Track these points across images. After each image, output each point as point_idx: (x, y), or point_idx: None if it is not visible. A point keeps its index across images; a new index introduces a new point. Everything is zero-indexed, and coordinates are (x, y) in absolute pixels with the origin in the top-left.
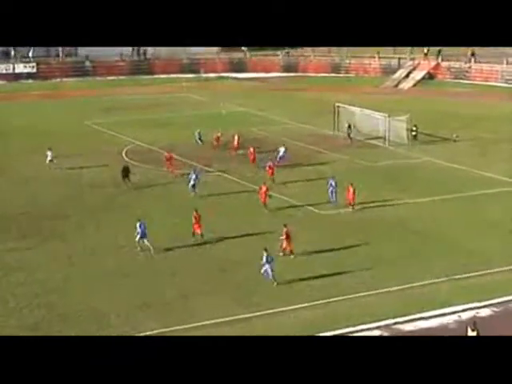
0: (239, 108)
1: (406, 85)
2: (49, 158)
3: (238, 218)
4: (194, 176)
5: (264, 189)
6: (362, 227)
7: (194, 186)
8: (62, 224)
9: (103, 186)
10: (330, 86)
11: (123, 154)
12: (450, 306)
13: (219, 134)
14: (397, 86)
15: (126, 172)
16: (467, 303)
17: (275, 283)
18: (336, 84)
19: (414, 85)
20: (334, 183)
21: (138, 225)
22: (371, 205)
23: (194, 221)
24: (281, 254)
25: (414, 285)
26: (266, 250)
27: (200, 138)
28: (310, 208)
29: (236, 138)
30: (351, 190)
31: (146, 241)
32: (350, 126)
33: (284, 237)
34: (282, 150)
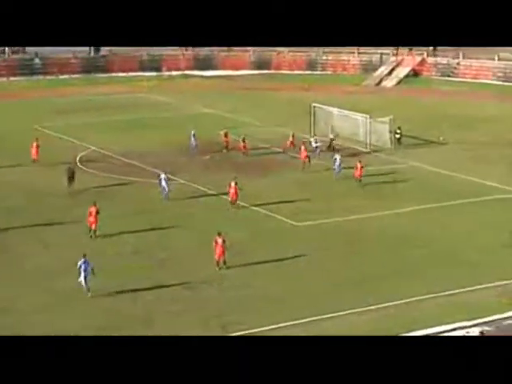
0: (205, 109)
1: (389, 83)
2: None
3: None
4: (163, 176)
5: (233, 185)
6: (340, 239)
7: (165, 189)
8: (5, 239)
9: (53, 196)
10: (305, 84)
11: (77, 161)
12: (438, 324)
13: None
14: (379, 84)
15: (71, 174)
16: (456, 322)
17: (89, 294)
18: (312, 82)
19: (398, 83)
20: (338, 159)
21: None
22: (350, 216)
23: (89, 215)
24: (217, 268)
25: (396, 303)
26: (84, 255)
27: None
28: (282, 218)
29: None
30: (359, 165)
31: None
32: (333, 139)
33: (213, 245)
34: (312, 140)
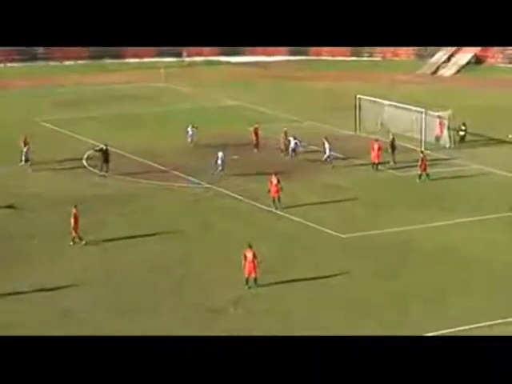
0: (232, 102)
1: (447, 71)
2: None
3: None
4: (220, 154)
5: (275, 181)
6: (389, 254)
7: (221, 164)
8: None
9: (59, 201)
10: (349, 72)
11: (84, 161)
12: None
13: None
14: (435, 72)
15: (105, 156)
16: None
17: None
18: (358, 70)
19: (458, 71)
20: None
21: None
22: (401, 227)
23: (72, 221)
24: (246, 287)
25: (457, 329)
26: None
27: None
28: (323, 228)
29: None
30: (376, 147)
31: None
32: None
33: (243, 261)
34: (292, 140)
